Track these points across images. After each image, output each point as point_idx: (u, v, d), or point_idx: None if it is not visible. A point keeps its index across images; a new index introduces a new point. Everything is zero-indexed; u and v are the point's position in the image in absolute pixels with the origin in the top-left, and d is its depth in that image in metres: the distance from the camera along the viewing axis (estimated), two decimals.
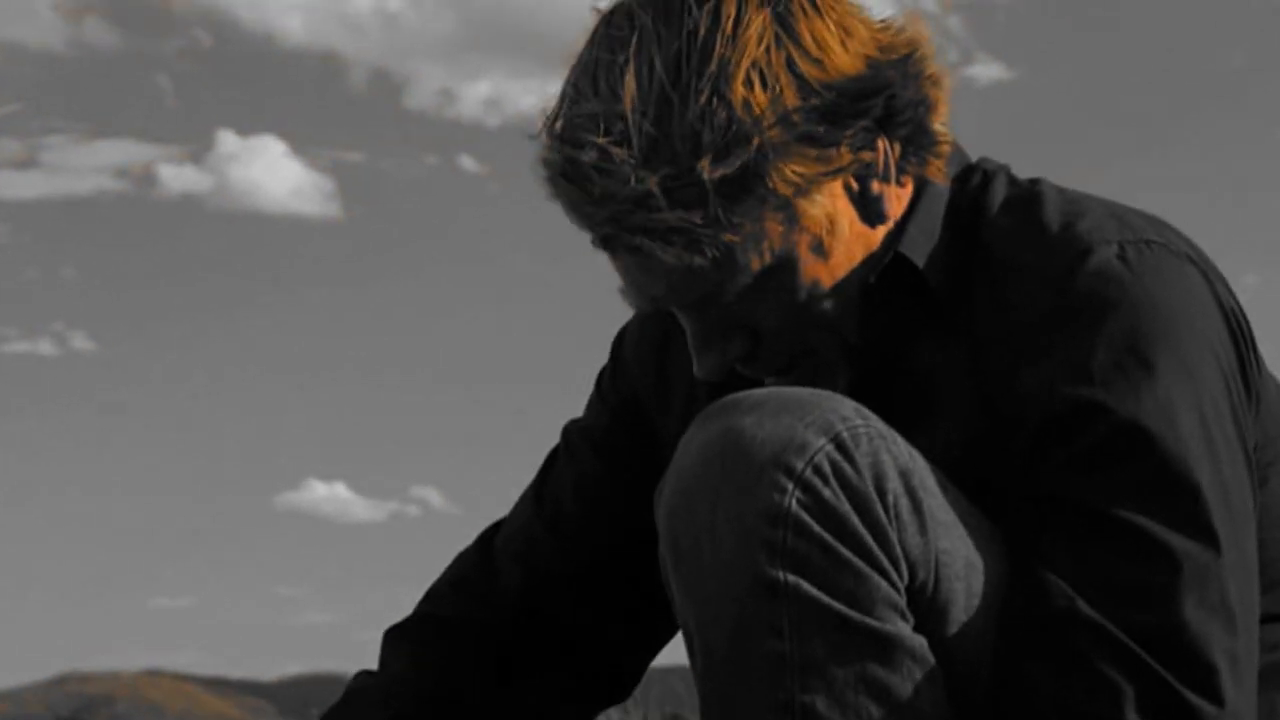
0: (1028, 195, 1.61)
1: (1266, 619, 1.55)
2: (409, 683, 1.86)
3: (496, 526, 1.92)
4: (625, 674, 1.90)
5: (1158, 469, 1.47)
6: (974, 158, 1.68)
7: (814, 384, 1.55)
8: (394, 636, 1.89)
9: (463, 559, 1.92)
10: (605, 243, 1.54)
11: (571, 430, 1.89)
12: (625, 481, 1.81)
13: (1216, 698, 1.45)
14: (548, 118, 1.54)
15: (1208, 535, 1.46)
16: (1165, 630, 1.45)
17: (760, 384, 1.60)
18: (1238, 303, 1.59)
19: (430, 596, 1.91)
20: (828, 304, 1.57)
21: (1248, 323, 1.59)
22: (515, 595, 1.86)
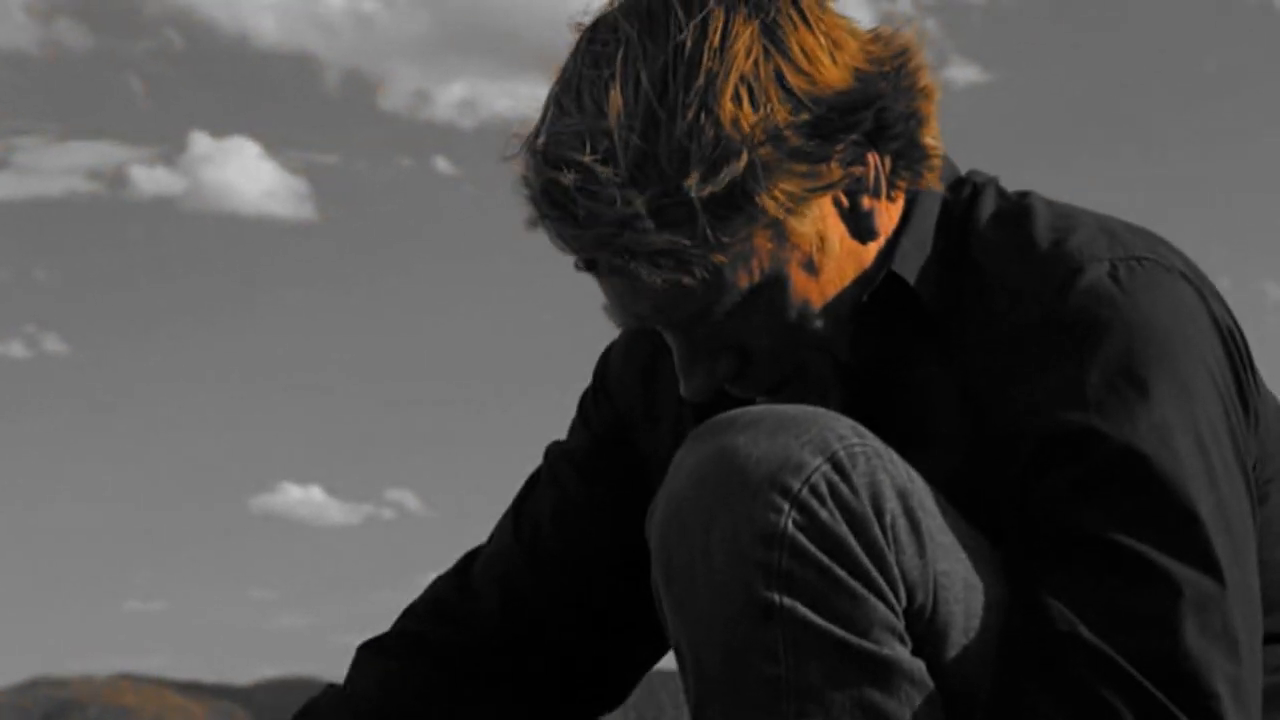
0: (1017, 209, 1.58)
1: (1269, 639, 1.52)
2: (373, 700, 1.82)
3: (477, 551, 1.88)
4: (607, 695, 1.87)
5: (1155, 495, 1.44)
6: (956, 162, 1.65)
7: (805, 403, 1.51)
8: (366, 653, 1.86)
9: (441, 580, 1.88)
10: (590, 265, 1.51)
11: (554, 452, 1.85)
12: (609, 506, 1.79)
13: None
14: (529, 134, 1.51)
15: (1207, 561, 1.44)
16: (1166, 657, 1.42)
17: (750, 404, 1.55)
18: (1233, 318, 1.57)
19: (406, 615, 1.87)
20: (819, 322, 1.54)
21: (1244, 338, 1.57)
22: (492, 617, 1.82)
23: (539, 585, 1.81)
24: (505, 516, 1.86)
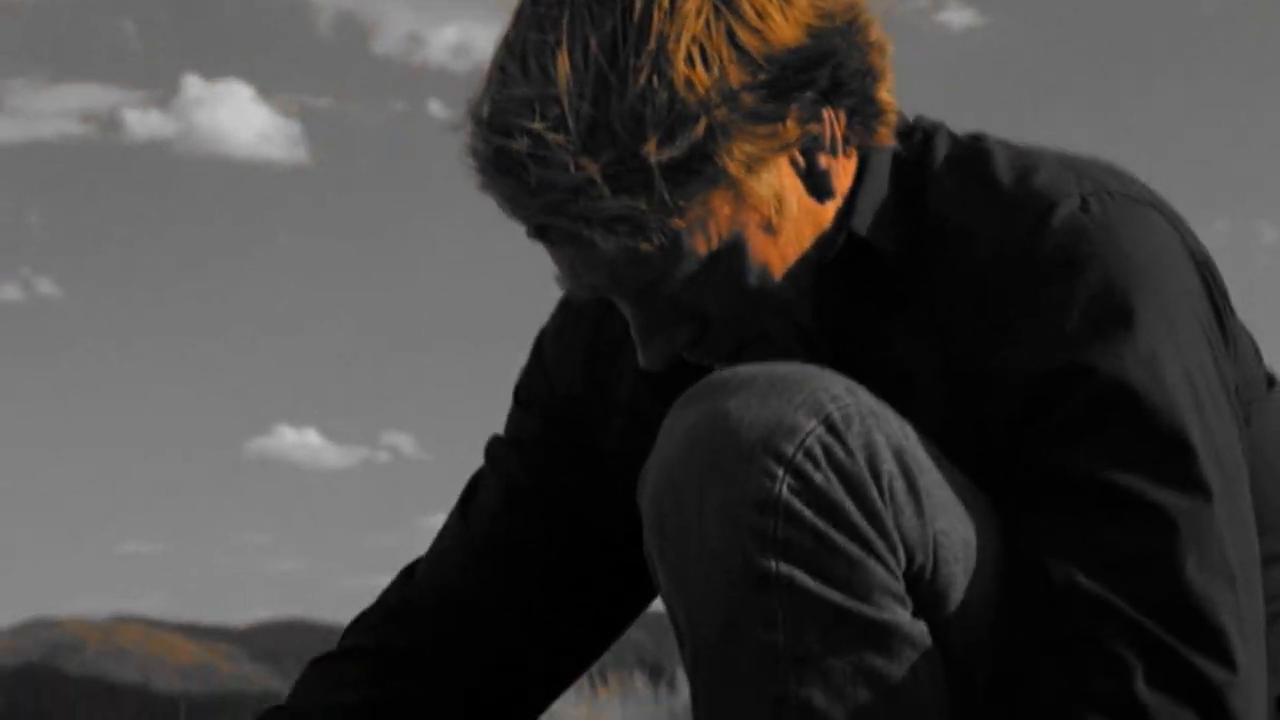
0: (973, 152, 1.55)
1: (1266, 562, 1.49)
2: (318, 713, 1.75)
3: (419, 561, 1.83)
4: (560, 684, 1.82)
5: (1146, 427, 1.42)
6: (929, 111, 1.61)
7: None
8: (312, 670, 1.80)
9: (386, 591, 1.83)
10: (541, 233, 1.47)
11: (496, 446, 1.80)
12: (559, 490, 1.74)
13: (1228, 661, 1.40)
14: (473, 103, 1.47)
15: (1201, 489, 1.41)
16: (1168, 596, 1.40)
17: (710, 371, 1.52)
18: (1203, 247, 1.55)
19: (352, 629, 1.81)
20: (779, 286, 1.51)
21: (1215, 267, 1.55)
22: (443, 617, 1.76)
23: (494, 578, 1.76)
24: (451, 516, 1.81)
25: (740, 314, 1.52)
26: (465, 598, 1.76)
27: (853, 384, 1.43)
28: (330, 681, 1.78)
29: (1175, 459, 1.42)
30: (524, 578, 1.75)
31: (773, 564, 1.37)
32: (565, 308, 1.76)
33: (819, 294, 1.53)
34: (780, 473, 1.37)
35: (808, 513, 1.37)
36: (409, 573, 1.81)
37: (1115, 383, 1.43)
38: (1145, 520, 1.41)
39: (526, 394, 1.78)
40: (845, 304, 1.54)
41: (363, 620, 1.81)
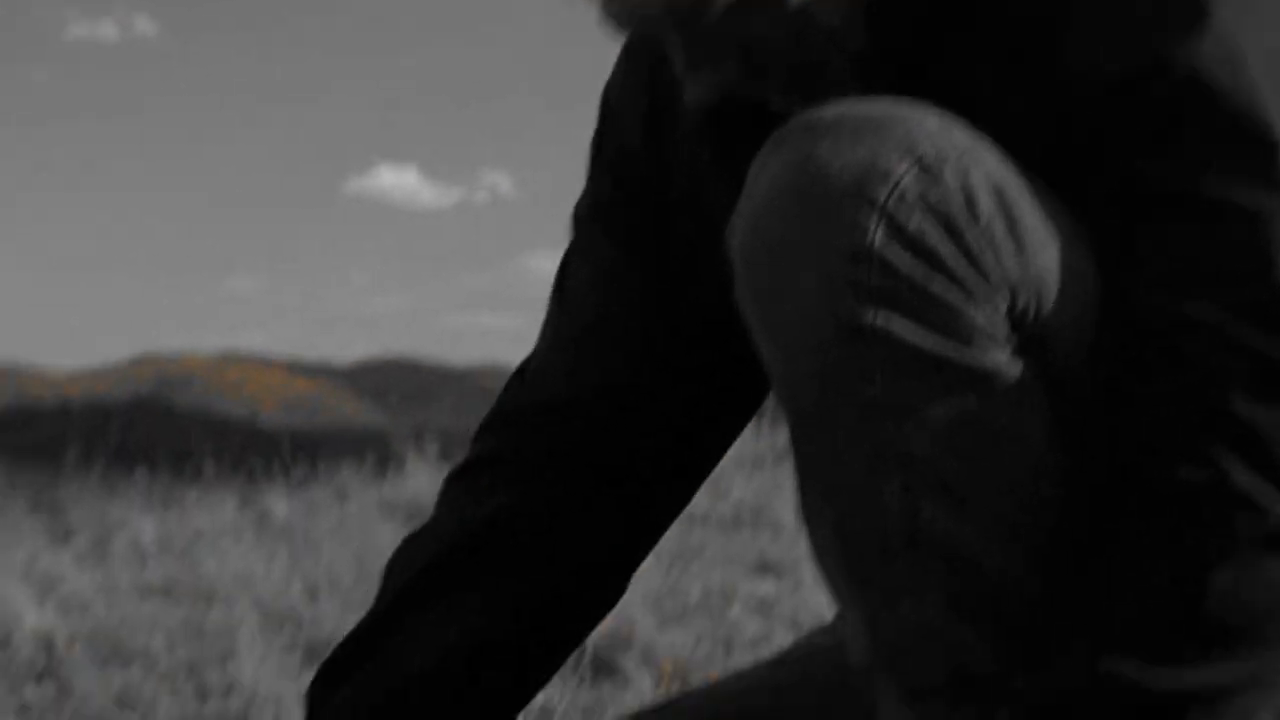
0: None
1: None
2: (442, 538, 1.73)
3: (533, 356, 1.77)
4: (698, 474, 1.76)
5: (1225, 125, 1.35)
6: None
7: (821, 100, 1.40)
8: (448, 487, 1.77)
9: (504, 392, 1.77)
10: None
11: (578, 215, 1.73)
12: (643, 259, 1.68)
13: None
14: None
15: None
16: (1265, 300, 1.33)
17: (764, 109, 1.47)
18: None
19: (477, 437, 1.76)
20: (824, 11, 1.43)
21: None
22: (557, 421, 1.71)
23: (600, 367, 1.70)
24: (549, 307, 1.75)
25: (786, 43, 1.45)
26: (576, 394, 1.71)
27: (947, 118, 1.37)
28: (465, 495, 1.75)
29: (1259, 157, 1.35)
30: (632, 363, 1.70)
31: (869, 315, 1.33)
32: (625, 56, 1.70)
33: (871, 18, 1.46)
34: (873, 220, 1.32)
35: (903, 260, 1.32)
36: (521, 372, 1.77)
37: (1189, 78, 1.35)
38: (1233, 226, 1.34)
39: (598, 151, 1.72)
40: (901, 25, 1.46)
41: (487, 426, 1.77)
